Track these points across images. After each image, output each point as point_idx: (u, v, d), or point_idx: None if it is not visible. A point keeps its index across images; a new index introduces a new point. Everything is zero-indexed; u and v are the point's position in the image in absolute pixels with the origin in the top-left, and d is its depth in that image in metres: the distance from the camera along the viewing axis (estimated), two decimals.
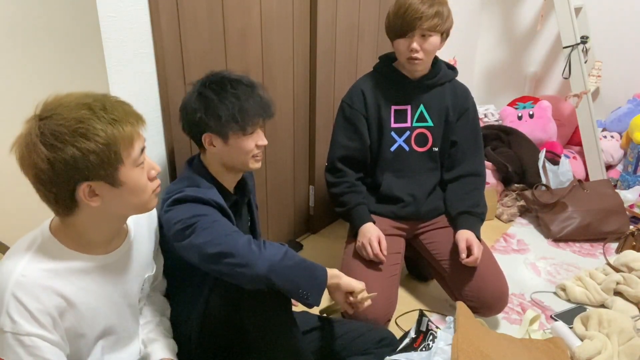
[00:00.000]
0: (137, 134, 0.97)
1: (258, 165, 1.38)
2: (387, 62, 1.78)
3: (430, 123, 1.76)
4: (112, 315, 1.08)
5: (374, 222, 1.75)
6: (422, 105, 1.75)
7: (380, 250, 1.66)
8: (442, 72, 1.76)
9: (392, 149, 1.76)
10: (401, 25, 1.59)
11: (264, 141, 1.36)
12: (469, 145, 1.80)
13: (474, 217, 1.74)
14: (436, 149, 1.78)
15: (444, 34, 1.64)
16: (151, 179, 1.02)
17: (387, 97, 1.75)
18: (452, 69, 1.81)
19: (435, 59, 1.75)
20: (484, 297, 1.64)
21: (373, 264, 1.68)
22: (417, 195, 1.80)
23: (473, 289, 1.65)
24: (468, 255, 1.63)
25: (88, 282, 1.01)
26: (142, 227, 1.21)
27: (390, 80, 1.76)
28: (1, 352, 0.90)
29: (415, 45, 1.60)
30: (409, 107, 1.75)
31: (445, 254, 1.74)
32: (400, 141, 1.76)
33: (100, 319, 1.05)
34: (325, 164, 1.86)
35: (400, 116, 1.75)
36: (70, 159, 0.89)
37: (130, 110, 0.98)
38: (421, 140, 1.77)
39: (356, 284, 1.29)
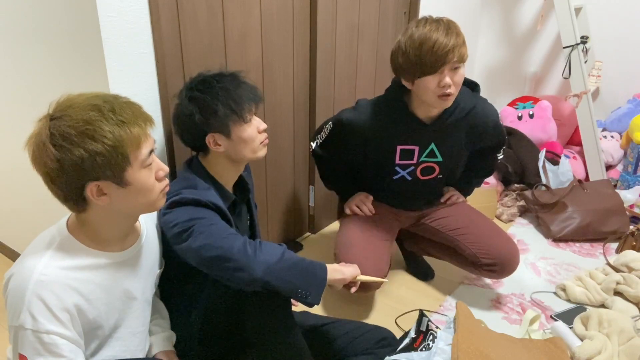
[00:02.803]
0: (145, 135, 0.97)
1: (265, 151, 1.40)
2: (399, 97, 1.64)
3: (439, 159, 1.72)
4: (127, 310, 1.11)
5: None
6: (433, 144, 1.68)
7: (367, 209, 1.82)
8: (459, 106, 1.62)
9: (395, 177, 1.77)
10: (431, 61, 1.45)
11: (263, 125, 1.38)
12: (491, 146, 1.84)
13: (465, 184, 1.95)
14: (441, 176, 1.80)
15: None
16: (159, 179, 1.03)
17: (393, 136, 1.67)
18: (473, 86, 1.69)
19: None
20: (498, 251, 1.71)
21: (366, 229, 1.76)
22: (417, 204, 1.87)
23: (486, 247, 1.73)
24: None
25: (105, 278, 1.03)
26: (151, 225, 1.23)
27: (399, 120, 1.65)
28: (21, 347, 0.92)
29: (448, 79, 1.47)
30: (416, 148, 1.69)
31: (452, 225, 1.81)
32: (403, 173, 1.75)
33: (115, 313, 1.07)
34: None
35: (407, 155, 1.70)
36: (78, 159, 0.91)
37: (140, 111, 0.98)
38: (427, 171, 1.76)
39: (355, 272, 1.36)
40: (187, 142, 1.39)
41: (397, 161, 1.71)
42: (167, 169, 1.05)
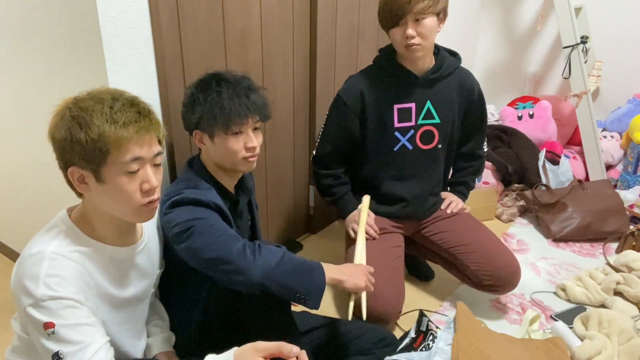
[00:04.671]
0: (134, 141, 0.94)
1: (249, 167, 1.34)
2: (389, 56, 1.70)
3: (437, 120, 1.72)
4: (127, 306, 1.11)
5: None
6: (429, 102, 1.70)
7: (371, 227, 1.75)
8: (446, 62, 1.70)
9: (395, 148, 1.73)
10: (392, 13, 1.54)
11: (252, 143, 1.29)
12: (474, 127, 1.85)
13: (458, 185, 1.94)
14: (440, 146, 1.77)
15: (441, 15, 1.58)
16: (142, 192, 0.98)
17: (389, 95, 1.69)
18: (454, 55, 1.77)
19: (437, 48, 1.71)
20: (500, 273, 1.68)
21: (376, 258, 1.66)
22: (419, 195, 1.81)
23: (488, 268, 1.69)
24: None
25: (104, 273, 1.04)
26: (152, 225, 1.23)
27: (393, 77, 1.70)
28: (47, 316, 0.91)
29: (410, 31, 1.53)
30: (413, 105, 1.70)
31: (454, 241, 1.77)
32: (403, 140, 1.73)
33: (114, 303, 1.07)
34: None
35: (405, 115, 1.70)
36: (62, 140, 0.94)
37: (145, 119, 0.96)
38: (427, 137, 1.74)
39: (358, 282, 1.31)
40: (185, 128, 1.39)
41: (396, 124, 1.70)
42: (154, 183, 0.99)
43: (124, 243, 1.09)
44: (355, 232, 1.74)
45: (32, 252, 0.95)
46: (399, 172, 1.77)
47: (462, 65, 1.78)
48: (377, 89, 1.70)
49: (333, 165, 1.81)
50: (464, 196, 1.95)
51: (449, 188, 1.96)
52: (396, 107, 1.69)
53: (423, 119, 1.71)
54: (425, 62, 1.67)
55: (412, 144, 1.74)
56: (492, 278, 1.69)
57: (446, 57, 1.72)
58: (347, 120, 1.72)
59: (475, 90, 1.78)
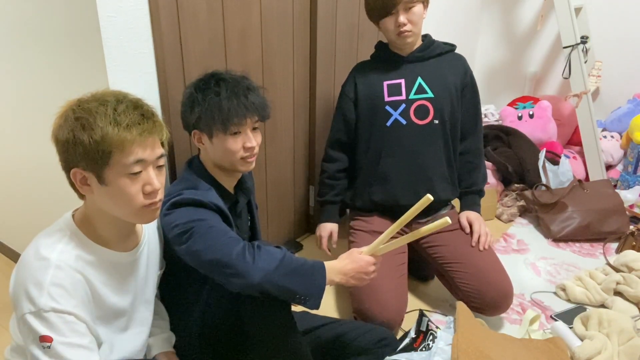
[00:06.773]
0: (136, 143, 0.95)
1: (248, 167, 1.34)
2: (382, 46, 1.83)
3: (430, 94, 1.74)
4: (129, 309, 1.11)
5: (336, 220, 1.92)
6: (419, 78, 1.75)
7: (330, 244, 1.90)
8: (434, 44, 1.79)
9: (389, 123, 1.75)
10: (383, 3, 1.63)
11: (251, 143, 1.30)
12: (470, 120, 1.84)
13: (472, 194, 1.87)
14: (437, 122, 1.74)
15: (425, 2, 1.69)
16: (145, 194, 0.99)
17: (378, 75, 1.79)
18: (449, 44, 1.83)
19: (425, 36, 1.80)
20: (488, 298, 1.64)
21: (381, 265, 1.61)
22: (417, 174, 1.77)
23: (477, 291, 1.65)
24: (473, 236, 1.76)
25: (109, 275, 1.04)
26: (152, 226, 1.23)
27: (383, 60, 1.81)
28: (47, 329, 0.91)
29: (402, 18, 1.63)
30: (402, 81, 1.76)
31: (448, 257, 1.74)
32: (396, 114, 1.74)
33: (116, 311, 1.07)
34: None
35: (394, 90, 1.75)
36: (64, 141, 0.94)
37: (149, 121, 0.97)
38: (421, 112, 1.74)
39: (359, 282, 1.31)
40: (184, 128, 1.39)
41: (386, 98, 1.75)
42: (157, 185, 0.99)
43: (126, 246, 1.09)
44: (320, 242, 1.89)
45: (38, 254, 0.94)
46: (395, 148, 1.76)
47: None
48: (368, 72, 1.81)
49: (334, 156, 1.88)
50: (479, 207, 1.87)
51: (461, 202, 1.89)
52: (385, 83, 1.77)
53: (415, 93, 1.75)
54: (414, 47, 1.77)
55: (405, 119, 1.74)
56: (479, 301, 1.65)
57: (435, 41, 1.80)
58: (343, 105, 1.84)
59: (468, 72, 1.82)
